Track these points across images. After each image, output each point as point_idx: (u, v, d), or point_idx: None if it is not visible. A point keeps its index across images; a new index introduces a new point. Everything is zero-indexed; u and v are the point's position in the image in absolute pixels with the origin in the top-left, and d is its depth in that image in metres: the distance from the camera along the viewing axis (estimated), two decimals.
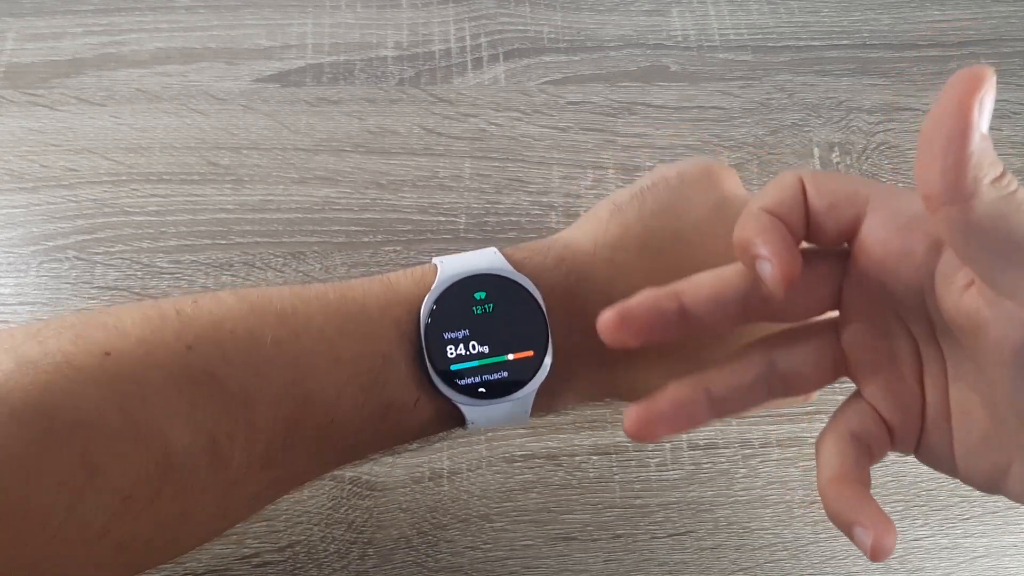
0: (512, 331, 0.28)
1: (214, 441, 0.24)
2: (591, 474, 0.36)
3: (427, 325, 0.27)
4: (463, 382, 0.27)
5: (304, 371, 0.26)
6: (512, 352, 0.28)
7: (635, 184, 0.31)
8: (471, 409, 0.28)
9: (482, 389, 0.27)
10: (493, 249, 0.29)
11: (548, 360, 0.28)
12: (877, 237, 0.23)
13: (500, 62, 0.45)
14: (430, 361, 0.27)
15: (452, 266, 0.29)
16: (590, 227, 0.31)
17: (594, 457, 0.37)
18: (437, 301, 0.28)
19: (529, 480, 0.36)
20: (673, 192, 0.30)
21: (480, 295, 0.28)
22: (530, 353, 0.28)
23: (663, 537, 0.35)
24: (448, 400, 0.28)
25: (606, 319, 0.25)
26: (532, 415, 0.29)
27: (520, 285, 0.28)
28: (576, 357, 0.29)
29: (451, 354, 0.27)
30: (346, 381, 0.26)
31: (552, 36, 0.46)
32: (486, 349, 0.28)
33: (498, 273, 0.28)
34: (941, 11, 0.49)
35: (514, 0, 0.47)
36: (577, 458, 0.36)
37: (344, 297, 0.28)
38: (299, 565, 0.33)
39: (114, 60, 0.44)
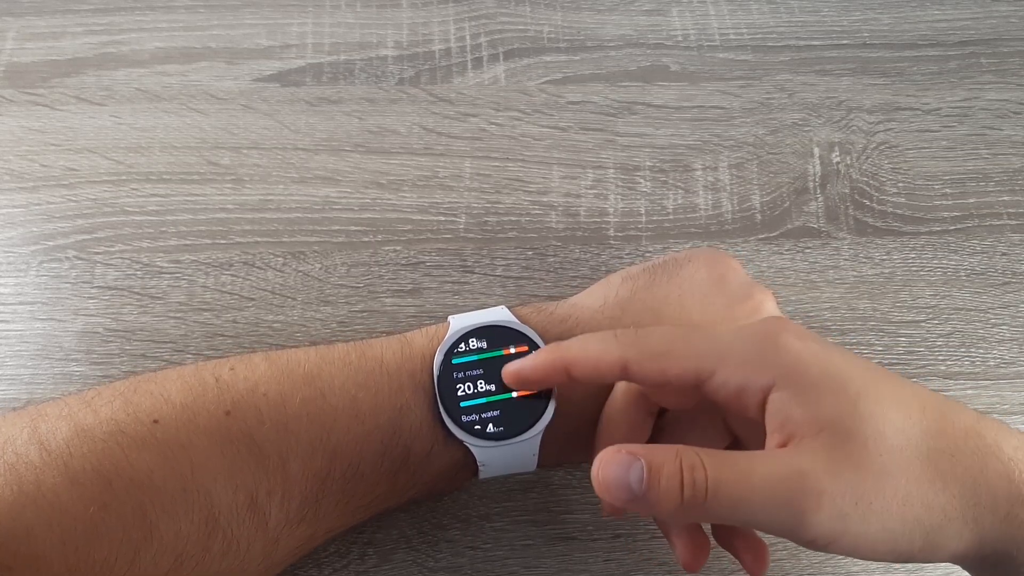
0: None
1: (254, 500, 0.27)
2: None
3: (439, 374, 0.29)
4: (474, 427, 0.29)
5: (329, 427, 0.28)
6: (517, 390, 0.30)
7: (648, 261, 0.35)
8: (481, 450, 0.29)
9: (490, 429, 0.29)
10: (503, 307, 0.32)
11: (552, 404, 0.30)
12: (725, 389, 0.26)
13: (500, 62, 0.45)
14: (442, 405, 0.29)
15: (462, 320, 0.31)
16: (600, 290, 0.34)
17: None
18: (448, 351, 0.30)
19: (529, 480, 0.36)
20: (680, 268, 0.33)
21: (488, 345, 0.30)
22: (525, 348, 0.30)
23: (662, 537, 0.35)
24: (460, 448, 0.29)
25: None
26: (543, 465, 0.31)
27: (525, 335, 0.30)
28: (582, 404, 0.31)
29: (460, 392, 0.29)
30: (367, 434, 0.29)
31: (552, 36, 0.46)
32: (492, 387, 0.30)
33: (504, 324, 0.31)
34: (941, 11, 0.49)
35: (514, 0, 0.47)
36: None
37: (364, 356, 0.30)
38: (299, 565, 0.33)
39: (114, 60, 0.44)
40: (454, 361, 0.30)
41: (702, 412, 0.30)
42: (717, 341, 0.26)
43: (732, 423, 0.30)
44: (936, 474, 0.24)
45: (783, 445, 0.24)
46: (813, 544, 0.24)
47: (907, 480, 0.24)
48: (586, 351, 0.27)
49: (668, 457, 0.24)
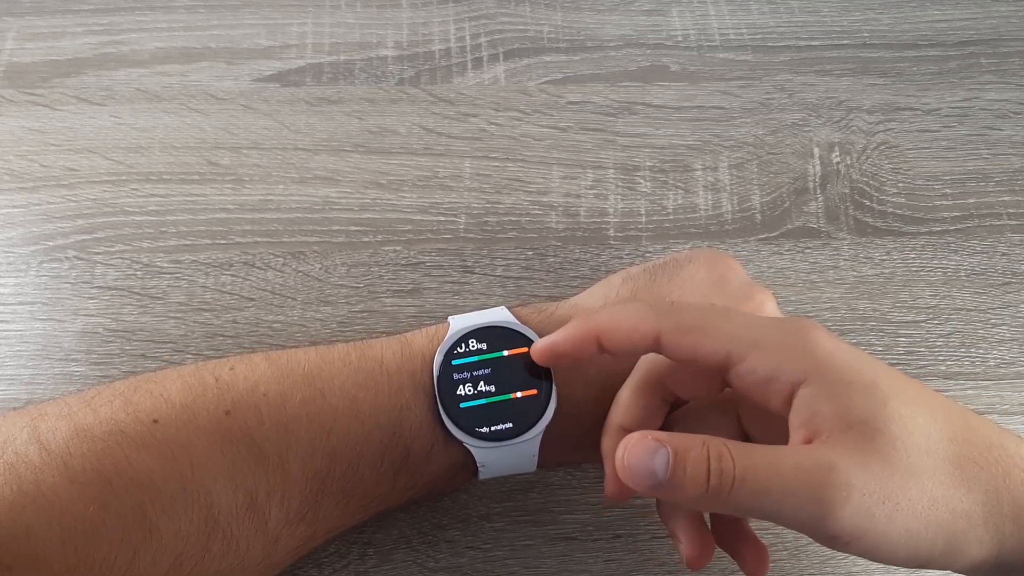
0: (518, 375, 0.30)
1: (254, 500, 0.27)
2: (591, 474, 0.36)
3: (439, 374, 0.29)
4: (473, 427, 0.29)
5: (329, 427, 0.28)
6: (517, 391, 0.30)
7: (649, 262, 0.35)
8: (480, 451, 0.29)
9: (490, 429, 0.29)
10: (503, 307, 0.32)
11: (552, 404, 0.30)
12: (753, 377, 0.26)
13: (500, 62, 0.45)
14: (442, 406, 0.29)
15: (462, 321, 0.31)
16: (601, 291, 0.34)
17: None
18: (448, 352, 0.30)
19: (529, 480, 0.36)
20: (680, 268, 0.33)
21: (488, 345, 0.30)
22: (534, 392, 0.30)
23: (663, 537, 0.35)
24: (460, 448, 0.29)
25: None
26: (543, 466, 0.31)
27: (525, 336, 0.30)
28: (581, 406, 0.31)
29: (460, 392, 0.29)
30: (367, 434, 0.29)
31: (552, 36, 0.46)
32: (492, 388, 0.30)
33: (504, 325, 0.31)
34: (941, 11, 0.49)
35: (514, 0, 0.47)
36: None
37: (364, 356, 0.30)
38: (298, 565, 0.33)
39: (114, 60, 0.44)
40: (454, 362, 0.30)
41: (715, 409, 0.30)
42: (751, 326, 0.26)
43: (746, 419, 0.29)
44: (961, 479, 0.24)
45: (809, 441, 0.24)
46: (834, 541, 0.24)
47: (934, 483, 0.24)
48: (619, 320, 0.27)
49: (695, 444, 0.24)
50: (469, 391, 0.29)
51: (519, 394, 0.30)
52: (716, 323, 0.26)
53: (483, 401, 0.29)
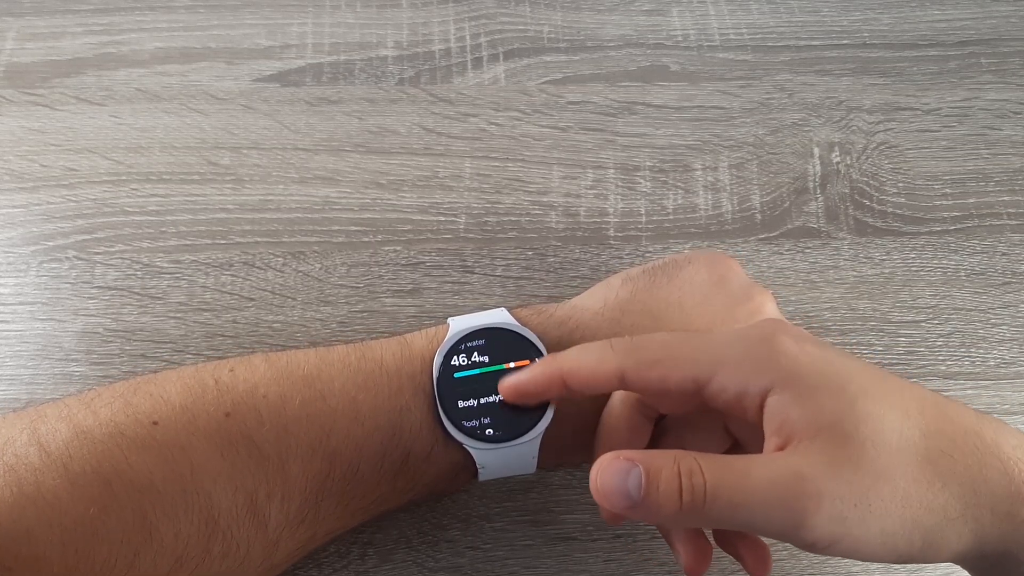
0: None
1: (254, 501, 0.27)
2: None
3: (438, 376, 0.29)
4: (473, 429, 0.29)
5: (329, 429, 0.28)
6: (512, 361, 0.30)
7: (648, 263, 0.35)
8: (480, 453, 0.29)
9: (489, 431, 0.29)
10: (502, 308, 0.32)
11: (552, 406, 0.30)
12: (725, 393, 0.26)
13: (500, 62, 0.45)
14: (442, 407, 0.29)
15: (462, 322, 0.31)
16: (600, 292, 0.34)
17: None
18: (447, 353, 0.30)
19: (529, 480, 0.36)
20: (680, 269, 0.33)
21: (487, 346, 0.30)
22: (526, 362, 0.30)
23: (662, 537, 0.35)
24: (460, 450, 0.29)
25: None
26: (542, 467, 0.31)
27: (524, 337, 0.31)
28: (581, 406, 0.31)
29: (456, 369, 0.29)
30: (367, 435, 0.29)
31: (552, 36, 0.46)
32: (488, 358, 0.30)
33: (504, 327, 0.31)
34: (941, 11, 0.49)
35: (514, 0, 0.47)
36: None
37: (364, 357, 0.30)
38: (299, 565, 0.33)
39: (114, 60, 0.44)
40: (454, 363, 0.30)
41: (702, 416, 0.29)
42: (714, 346, 0.26)
43: (732, 427, 0.30)
44: (935, 474, 0.24)
45: (781, 448, 0.24)
46: (813, 547, 0.24)
47: (906, 481, 0.24)
48: (582, 362, 0.27)
49: (666, 462, 0.24)
50: (469, 393, 0.29)
51: (512, 364, 0.30)
52: (678, 352, 0.26)
53: (483, 402, 0.29)
